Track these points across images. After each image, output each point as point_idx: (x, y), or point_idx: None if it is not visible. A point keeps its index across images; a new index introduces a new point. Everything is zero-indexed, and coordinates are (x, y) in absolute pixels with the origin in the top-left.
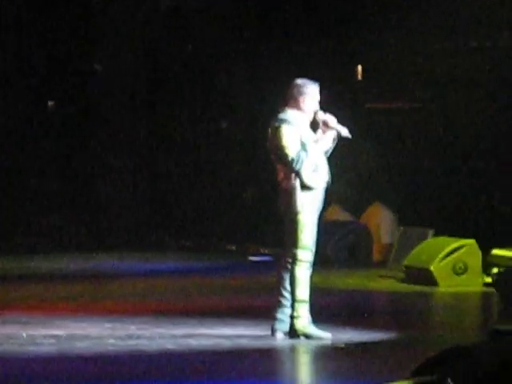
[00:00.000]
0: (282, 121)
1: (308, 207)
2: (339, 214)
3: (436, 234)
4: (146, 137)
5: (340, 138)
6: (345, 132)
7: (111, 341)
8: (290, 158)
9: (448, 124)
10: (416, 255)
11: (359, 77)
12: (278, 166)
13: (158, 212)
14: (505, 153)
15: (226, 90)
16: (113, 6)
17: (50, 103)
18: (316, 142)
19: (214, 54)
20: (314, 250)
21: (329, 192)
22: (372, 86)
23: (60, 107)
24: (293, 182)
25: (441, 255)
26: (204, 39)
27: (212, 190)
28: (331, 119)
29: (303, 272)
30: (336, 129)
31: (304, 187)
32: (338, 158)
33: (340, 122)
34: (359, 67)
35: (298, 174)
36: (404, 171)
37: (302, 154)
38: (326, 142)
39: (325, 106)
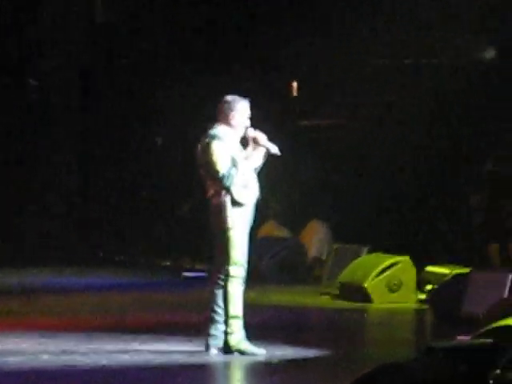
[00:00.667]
0: (212, 136)
1: (239, 223)
2: (276, 230)
3: (371, 251)
4: (82, 153)
5: (269, 155)
6: (274, 149)
7: (45, 356)
8: (220, 175)
9: (383, 140)
10: (351, 272)
11: (294, 93)
12: (208, 183)
13: (93, 227)
14: (441, 169)
15: (162, 107)
16: (47, 20)
17: None
18: (247, 158)
19: (149, 70)
20: (246, 265)
21: (265, 208)
22: (307, 102)
23: None
24: (223, 198)
25: (375, 272)
26: (140, 55)
27: (147, 205)
28: (261, 136)
29: (236, 288)
30: (265, 146)
31: (234, 203)
32: (275, 174)
33: (272, 138)
34: (294, 83)
35: (228, 190)
36: (339, 188)
37: (233, 170)
38: (256, 158)
39: (257, 122)
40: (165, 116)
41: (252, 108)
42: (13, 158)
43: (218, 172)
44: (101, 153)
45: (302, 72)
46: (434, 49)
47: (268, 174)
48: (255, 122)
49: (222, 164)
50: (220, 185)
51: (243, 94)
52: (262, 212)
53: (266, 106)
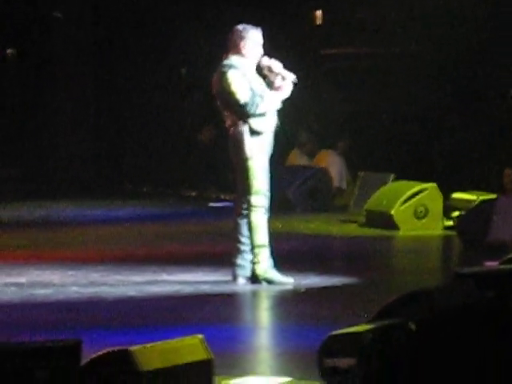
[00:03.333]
0: (228, 66)
1: (258, 152)
2: (300, 159)
3: (396, 179)
4: (104, 84)
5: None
6: (291, 77)
7: (74, 288)
8: (242, 102)
9: (409, 68)
10: (377, 200)
11: (318, 22)
12: (225, 113)
13: (117, 159)
14: (466, 97)
15: (186, 38)
16: None
17: (9, 51)
18: (277, 89)
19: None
20: (268, 194)
21: (291, 137)
22: (331, 31)
23: (20, 55)
24: (240, 128)
25: (401, 199)
26: None
27: (170, 136)
28: (275, 64)
29: (260, 217)
30: (281, 74)
31: (252, 132)
32: (300, 103)
33: (294, 67)
34: (318, 12)
35: (245, 120)
36: (363, 116)
37: (257, 98)
38: (286, 91)
39: (279, 51)
40: (190, 46)
41: (273, 37)
42: (31, 95)
43: (238, 101)
44: (124, 85)
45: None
46: None
47: (292, 103)
48: (275, 51)
49: (241, 92)
50: (239, 114)
51: (265, 23)
52: (288, 141)
53: (288, 34)
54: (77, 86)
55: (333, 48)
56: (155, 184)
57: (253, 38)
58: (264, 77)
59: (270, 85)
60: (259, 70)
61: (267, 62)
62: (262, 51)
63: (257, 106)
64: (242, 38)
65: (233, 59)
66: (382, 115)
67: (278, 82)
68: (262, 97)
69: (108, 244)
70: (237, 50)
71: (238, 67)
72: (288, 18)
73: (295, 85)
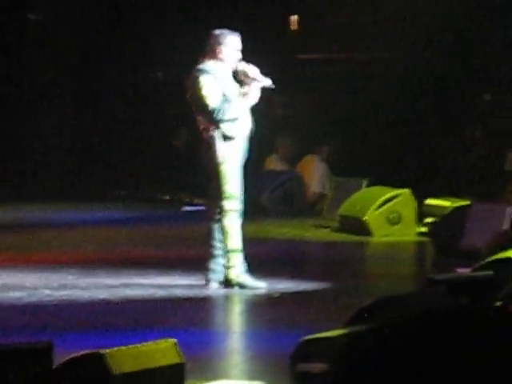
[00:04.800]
0: (201, 71)
1: (230, 157)
2: (276, 164)
3: (370, 184)
4: (80, 86)
5: (263, 89)
6: (267, 82)
7: (46, 291)
8: (210, 108)
9: (384, 73)
10: (350, 205)
11: (293, 27)
12: (198, 118)
13: (93, 162)
14: (440, 101)
15: (162, 41)
16: None
17: None
18: (244, 95)
19: (149, 4)
20: (241, 198)
21: (270, 142)
22: (306, 36)
23: None
24: (212, 132)
25: (375, 205)
26: None
27: (145, 140)
28: (252, 70)
29: (233, 222)
30: (257, 79)
31: (224, 137)
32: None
33: (269, 72)
34: (294, 17)
35: (217, 125)
36: (338, 121)
37: (225, 104)
38: (253, 96)
39: (254, 56)
40: (166, 50)
41: (247, 42)
42: (11, 94)
43: (207, 106)
44: (100, 88)
45: (301, 6)
46: None
47: (268, 107)
48: (251, 57)
49: (211, 98)
50: (209, 119)
51: (241, 28)
52: (267, 146)
53: (264, 39)
54: (51, 89)
55: (308, 53)
56: (129, 187)
57: (230, 44)
58: (240, 82)
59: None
60: (236, 75)
61: (243, 67)
62: (239, 56)
63: (224, 112)
64: (219, 43)
65: (208, 64)
66: (356, 120)
67: (245, 88)
68: (229, 103)
69: (81, 247)
70: (213, 55)
71: (212, 72)
72: (264, 23)
73: (272, 90)
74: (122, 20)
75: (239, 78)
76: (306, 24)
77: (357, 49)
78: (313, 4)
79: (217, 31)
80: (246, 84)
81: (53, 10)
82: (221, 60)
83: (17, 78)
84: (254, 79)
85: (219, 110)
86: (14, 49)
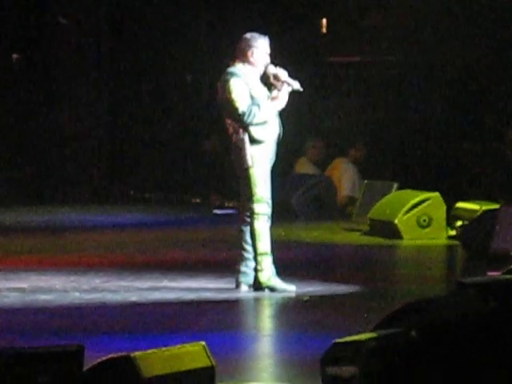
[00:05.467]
0: (231, 74)
1: (259, 160)
2: (306, 167)
3: (400, 188)
4: (109, 91)
5: (292, 92)
6: (296, 85)
7: (76, 294)
8: (240, 111)
9: (411, 77)
10: (380, 208)
11: (324, 30)
12: (228, 121)
13: (122, 165)
14: (469, 106)
15: (190, 46)
16: None
17: (15, 56)
18: (273, 99)
19: (177, 7)
20: (270, 201)
21: (298, 145)
22: (336, 39)
23: (25, 60)
24: (241, 136)
25: (405, 208)
26: None
27: (176, 142)
28: (282, 72)
29: (262, 225)
30: (287, 82)
31: (253, 141)
32: (307, 111)
33: (300, 75)
34: (324, 20)
35: (246, 128)
36: (367, 124)
37: (254, 108)
38: (282, 100)
39: (285, 59)
40: (195, 53)
41: (279, 45)
42: (38, 97)
43: (237, 109)
44: (129, 91)
45: (331, 9)
46: None
47: (297, 111)
48: (281, 59)
49: (241, 101)
50: (239, 123)
51: (270, 31)
52: (296, 149)
53: (294, 42)
54: (80, 92)
55: (339, 56)
56: (159, 190)
57: (260, 47)
58: (270, 85)
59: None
60: (266, 78)
61: (273, 70)
62: (268, 60)
63: (254, 115)
64: (249, 46)
65: (238, 67)
66: (386, 123)
67: (275, 92)
68: (259, 106)
69: (110, 250)
70: (244, 58)
71: (241, 75)
72: (294, 26)
73: (300, 93)
74: (151, 22)
75: (269, 81)
76: (335, 27)
77: (389, 52)
78: (342, 7)
79: (247, 34)
80: (275, 87)
81: (80, 12)
82: (251, 63)
83: (43, 80)
84: (284, 82)
85: (248, 113)
86: (39, 51)
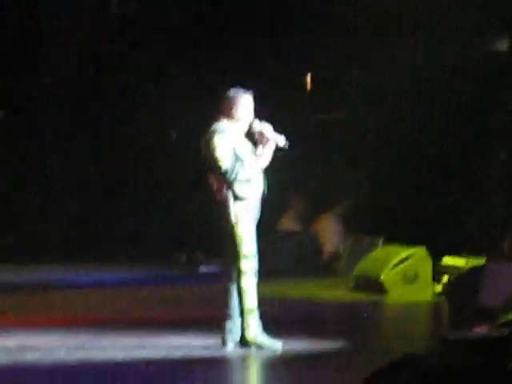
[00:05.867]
0: (215, 131)
1: (243, 218)
2: (291, 224)
3: (386, 241)
4: (93, 146)
5: (277, 148)
6: (282, 142)
7: (61, 352)
8: (223, 169)
9: (395, 131)
10: (366, 264)
11: (308, 86)
12: (212, 177)
13: (106, 222)
14: (453, 158)
15: (172, 102)
16: (58, 16)
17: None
18: (257, 156)
19: (159, 62)
20: (256, 257)
21: (281, 201)
22: (321, 96)
23: (8, 116)
24: (225, 193)
25: (391, 264)
26: (151, 47)
27: (161, 199)
28: (267, 128)
29: (249, 282)
30: (272, 138)
31: (237, 198)
32: (292, 167)
33: (283, 131)
34: (308, 76)
35: (230, 185)
36: (351, 179)
37: (238, 165)
38: (266, 157)
39: (268, 114)
40: (179, 110)
41: (265, 99)
42: (20, 156)
43: (220, 167)
44: (113, 147)
45: (316, 65)
46: None
47: (281, 168)
48: (265, 113)
49: (224, 159)
50: (222, 180)
51: (257, 86)
52: (279, 206)
53: (279, 98)
54: (65, 147)
55: (325, 113)
56: (144, 248)
57: (244, 103)
58: (255, 141)
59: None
60: (251, 134)
61: (258, 126)
62: (252, 116)
63: (237, 172)
64: (233, 102)
65: (222, 123)
66: (371, 177)
67: (259, 149)
68: (242, 163)
69: (96, 307)
70: (228, 114)
71: (226, 132)
72: (280, 83)
73: (287, 149)
74: (134, 77)
75: (255, 137)
76: (320, 83)
77: (373, 105)
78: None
79: (231, 91)
80: (260, 143)
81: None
82: (235, 119)
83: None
84: (269, 139)
85: (231, 170)
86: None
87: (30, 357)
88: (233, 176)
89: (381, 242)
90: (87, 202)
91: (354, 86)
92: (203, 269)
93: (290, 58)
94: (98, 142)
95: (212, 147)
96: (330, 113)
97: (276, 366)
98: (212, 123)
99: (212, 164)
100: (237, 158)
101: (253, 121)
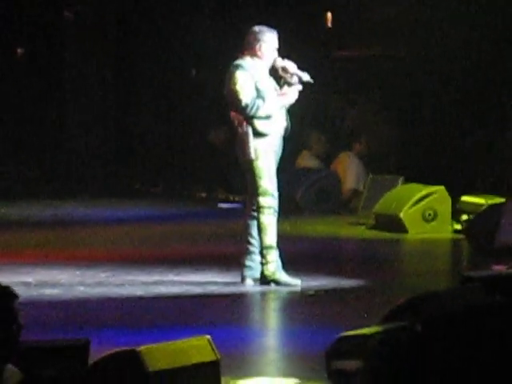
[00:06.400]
0: (237, 66)
1: (264, 154)
2: (310, 161)
3: (406, 181)
4: (115, 85)
5: (302, 84)
6: (306, 77)
7: (81, 288)
8: (243, 104)
9: (419, 71)
10: (386, 202)
11: (329, 24)
12: (232, 113)
13: (128, 159)
14: (474, 99)
15: (195, 39)
16: None
17: (20, 50)
18: (282, 94)
19: (180, 3)
20: (276, 195)
21: (299, 138)
22: (341, 33)
23: (30, 54)
24: (245, 129)
25: (410, 202)
26: None
27: (182, 137)
28: (290, 65)
29: (268, 218)
30: (296, 74)
31: (257, 134)
32: (310, 105)
33: (305, 68)
34: (329, 14)
35: (250, 121)
36: (372, 118)
37: (258, 100)
38: (290, 96)
39: (291, 53)
40: (199, 47)
41: (285, 38)
42: (41, 95)
43: (240, 101)
44: (134, 85)
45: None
46: None
47: (301, 105)
48: (288, 52)
49: (245, 93)
50: (243, 114)
51: (277, 24)
52: (298, 142)
53: (299, 36)
54: (87, 86)
55: (344, 50)
56: (164, 184)
57: (268, 41)
58: (280, 78)
59: (287, 85)
60: (274, 71)
61: (281, 63)
62: (276, 55)
63: (257, 108)
64: (257, 39)
65: (245, 60)
66: (391, 117)
67: (293, 81)
68: (264, 99)
69: (116, 244)
70: (251, 52)
71: (248, 68)
72: (301, 21)
73: (311, 84)
74: (156, 16)
75: (278, 74)
76: (340, 21)
77: (391, 45)
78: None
79: (256, 28)
80: (284, 80)
81: (89, 6)
82: (258, 57)
83: (55, 76)
84: (293, 74)
85: (252, 105)
86: (51, 46)
87: (49, 292)
88: (253, 111)
89: (400, 181)
90: (109, 139)
91: (375, 24)
92: (223, 205)
93: None
94: (118, 83)
95: (233, 81)
96: (351, 50)
97: (295, 303)
98: (235, 59)
99: (233, 98)
100: (258, 94)
101: (276, 59)
